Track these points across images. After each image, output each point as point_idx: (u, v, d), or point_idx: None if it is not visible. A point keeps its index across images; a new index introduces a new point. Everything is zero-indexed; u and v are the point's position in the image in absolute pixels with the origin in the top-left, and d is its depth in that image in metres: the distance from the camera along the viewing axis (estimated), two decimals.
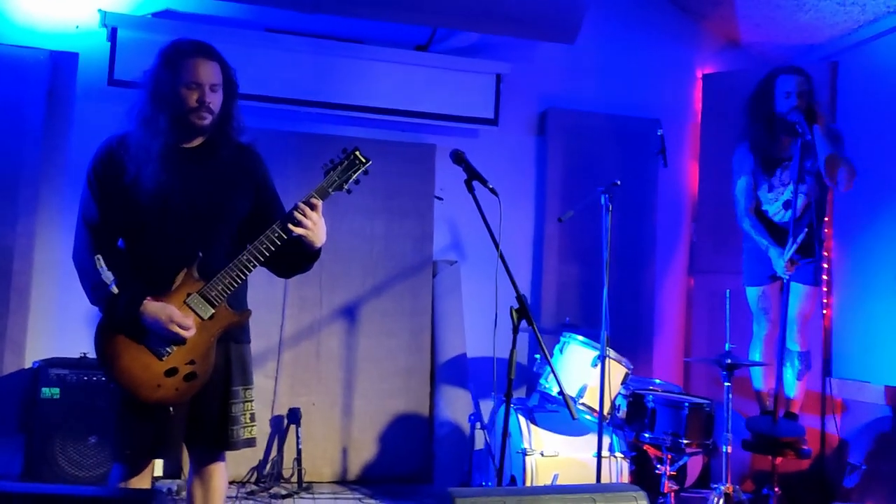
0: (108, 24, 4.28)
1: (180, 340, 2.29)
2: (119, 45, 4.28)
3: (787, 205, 3.74)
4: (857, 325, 4.52)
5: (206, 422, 2.41)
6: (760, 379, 3.99)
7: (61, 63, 4.32)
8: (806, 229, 3.58)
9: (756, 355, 3.98)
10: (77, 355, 3.95)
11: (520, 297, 2.48)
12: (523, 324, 2.44)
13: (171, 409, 2.35)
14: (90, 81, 4.33)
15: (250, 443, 2.50)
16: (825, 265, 4.67)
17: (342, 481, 4.43)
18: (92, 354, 3.87)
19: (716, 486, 3.02)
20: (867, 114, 4.55)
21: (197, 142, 2.43)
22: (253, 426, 2.51)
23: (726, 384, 3.04)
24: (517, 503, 2.06)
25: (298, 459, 4.25)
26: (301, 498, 4.08)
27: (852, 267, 4.62)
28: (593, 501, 2.16)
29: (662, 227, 5.11)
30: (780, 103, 3.78)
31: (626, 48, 5.15)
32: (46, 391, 3.76)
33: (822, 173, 3.70)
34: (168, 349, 2.31)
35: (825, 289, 4.68)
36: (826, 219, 4.64)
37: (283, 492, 4.12)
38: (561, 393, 2.50)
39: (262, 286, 3.89)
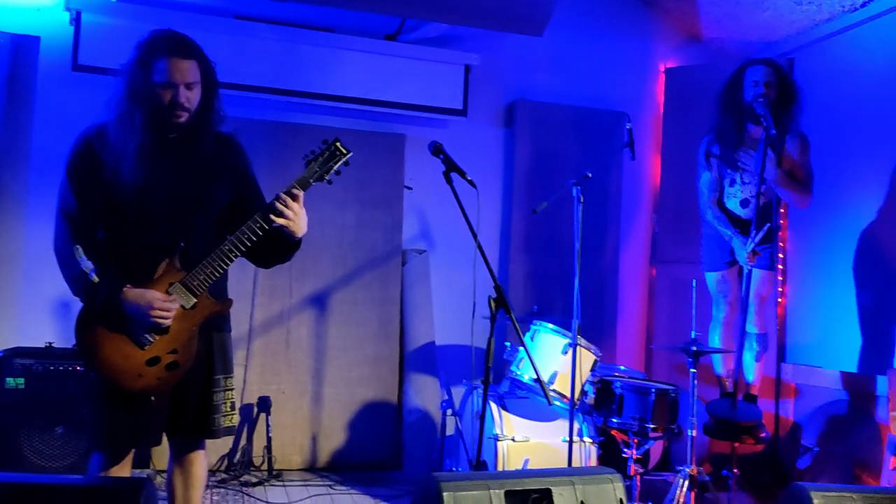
0: (72, 7, 4.19)
1: (162, 327, 2.30)
2: (83, 30, 4.19)
3: (747, 202, 3.87)
4: (811, 312, 4.71)
5: (187, 410, 2.42)
6: (720, 363, 4.13)
7: (22, 46, 4.21)
8: (768, 224, 3.70)
9: (715, 338, 4.12)
10: (42, 345, 3.89)
11: (497, 287, 2.56)
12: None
13: (152, 398, 2.35)
14: (53, 66, 4.25)
15: (231, 431, 2.52)
16: (780, 255, 4.85)
17: (312, 468, 4.45)
18: (58, 344, 3.86)
19: (680, 468, 3.14)
20: (822, 109, 4.72)
21: (176, 133, 2.42)
22: (233, 414, 2.53)
23: (692, 370, 3.16)
24: (500, 486, 2.13)
25: (268, 447, 4.27)
26: (271, 485, 4.10)
27: (807, 255, 4.80)
28: (572, 484, 2.24)
29: (625, 218, 5.23)
30: (748, 91, 3.88)
31: (591, 41, 5.23)
32: (11, 381, 3.69)
33: (774, 184, 3.82)
34: (150, 337, 2.31)
35: (780, 277, 4.86)
36: (781, 210, 4.82)
37: (254, 479, 4.13)
38: (537, 380, 2.58)
39: (231, 275, 3.80)
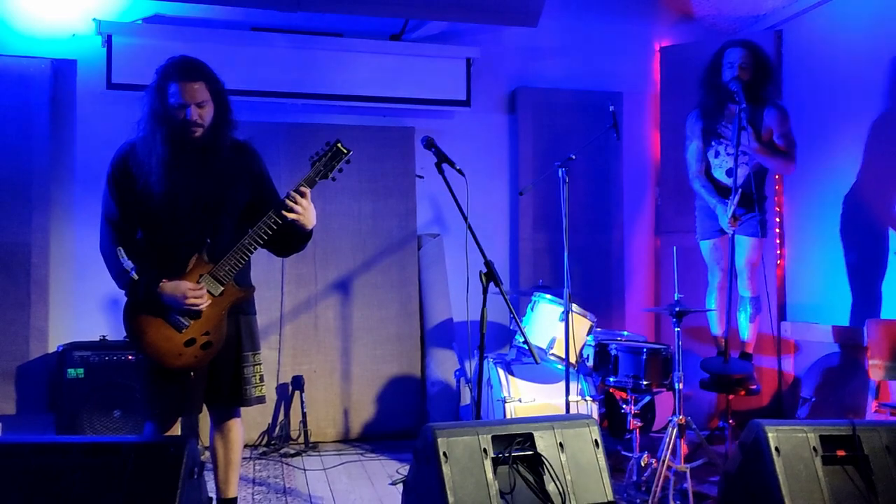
0: (103, 31, 4.61)
1: (196, 312, 2.68)
2: (115, 51, 4.61)
3: (731, 172, 4.13)
4: (808, 273, 4.94)
5: (222, 383, 2.81)
6: (716, 325, 4.41)
7: (61, 70, 4.67)
8: (740, 189, 3.95)
9: (712, 302, 4.40)
10: (97, 338, 4.34)
11: (487, 263, 2.88)
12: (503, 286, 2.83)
13: (191, 373, 2.74)
14: (89, 86, 4.68)
15: (261, 400, 2.90)
16: (777, 219, 5.09)
17: (345, 440, 4.86)
18: (111, 337, 4.31)
19: (670, 418, 3.43)
20: (809, 78, 4.93)
21: (196, 146, 2.77)
22: (262, 385, 2.91)
23: (676, 329, 3.44)
24: (488, 432, 2.47)
25: (304, 422, 4.67)
26: (308, 456, 4.50)
27: (802, 220, 5.03)
28: (552, 428, 2.58)
29: (629, 192, 5.51)
30: (725, 73, 4.15)
31: (587, 25, 5.49)
32: (72, 372, 4.14)
33: (755, 154, 4.06)
34: (186, 322, 2.69)
35: (778, 241, 5.10)
36: (777, 176, 5.05)
37: (292, 451, 4.54)
38: (525, 342, 2.91)
39: (261, 266, 4.28)
